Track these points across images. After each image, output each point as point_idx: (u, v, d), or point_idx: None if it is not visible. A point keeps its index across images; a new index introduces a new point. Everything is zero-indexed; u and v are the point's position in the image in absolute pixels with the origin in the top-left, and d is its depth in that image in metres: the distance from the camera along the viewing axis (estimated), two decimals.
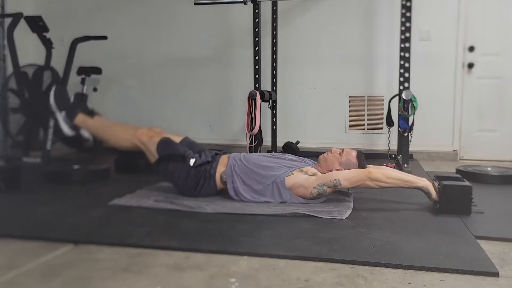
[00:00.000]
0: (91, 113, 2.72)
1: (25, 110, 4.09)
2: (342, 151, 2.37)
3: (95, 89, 4.60)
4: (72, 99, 2.73)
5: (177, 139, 2.53)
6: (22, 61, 4.15)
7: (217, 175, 2.40)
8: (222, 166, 2.41)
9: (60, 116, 2.64)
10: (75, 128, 2.67)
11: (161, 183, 2.85)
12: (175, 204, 2.28)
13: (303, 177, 2.27)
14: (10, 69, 4.27)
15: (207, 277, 1.42)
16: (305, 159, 2.50)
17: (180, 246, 1.68)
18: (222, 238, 1.77)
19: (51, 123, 3.90)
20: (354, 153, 2.35)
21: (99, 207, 2.26)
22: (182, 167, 2.38)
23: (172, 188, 2.71)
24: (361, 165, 2.32)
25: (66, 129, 2.62)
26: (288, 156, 2.47)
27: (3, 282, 1.40)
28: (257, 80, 3.99)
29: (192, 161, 2.38)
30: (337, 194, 2.43)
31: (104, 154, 4.34)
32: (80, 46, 4.27)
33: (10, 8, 4.45)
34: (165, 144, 2.44)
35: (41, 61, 4.24)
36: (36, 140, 4.07)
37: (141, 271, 1.47)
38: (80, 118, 2.68)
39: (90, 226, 1.95)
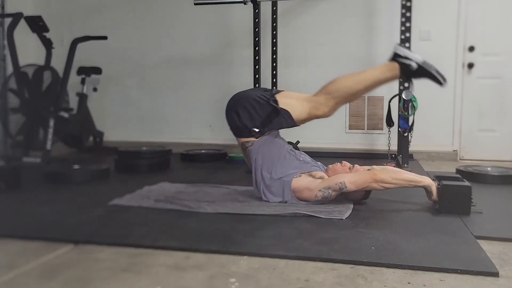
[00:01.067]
0: None
1: (25, 110, 4.10)
2: (353, 166, 2.35)
3: (95, 89, 4.60)
4: None
5: None
6: (22, 61, 4.15)
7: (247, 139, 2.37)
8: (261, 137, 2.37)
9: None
10: None
11: (161, 183, 2.86)
12: (175, 204, 2.28)
13: (309, 180, 2.27)
14: (10, 69, 4.28)
15: (207, 277, 1.42)
16: (319, 163, 2.47)
17: (180, 246, 1.68)
18: (222, 238, 1.77)
19: (51, 123, 3.91)
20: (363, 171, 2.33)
21: (99, 207, 2.26)
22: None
23: (172, 188, 2.71)
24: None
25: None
26: (303, 157, 2.43)
27: (3, 282, 1.40)
28: (257, 80, 3.99)
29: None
30: (342, 196, 2.41)
31: (104, 154, 4.35)
32: (80, 46, 4.28)
33: (10, 8, 4.45)
34: None
35: (41, 61, 4.25)
36: (36, 140, 4.07)
37: (141, 271, 1.47)
38: None
39: (90, 226, 1.95)
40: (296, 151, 2.46)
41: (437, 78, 2.21)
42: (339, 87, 2.29)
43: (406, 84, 2.21)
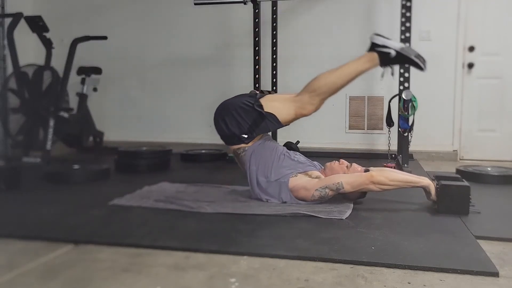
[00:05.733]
0: None
1: (25, 110, 4.10)
2: (351, 165, 2.35)
3: (95, 89, 4.60)
4: None
5: None
6: (22, 61, 4.15)
7: (238, 145, 2.39)
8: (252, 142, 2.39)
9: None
10: None
11: (161, 183, 2.86)
12: (175, 204, 2.28)
13: (306, 179, 2.27)
14: (10, 69, 4.28)
15: (207, 277, 1.42)
16: (315, 163, 2.47)
17: (180, 246, 1.68)
18: (222, 238, 1.77)
19: (51, 123, 3.91)
20: (361, 170, 2.34)
21: (99, 207, 2.25)
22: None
23: (172, 188, 2.71)
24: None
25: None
26: (298, 157, 2.44)
27: (3, 282, 1.40)
28: (257, 80, 3.99)
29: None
30: (339, 195, 2.42)
31: (104, 154, 4.35)
32: (80, 46, 4.28)
33: (10, 8, 4.45)
34: None
35: (41, 61, 4.25)
36: (36, 140, 4.07)
37: (141, 271, 1.47)
38: None
39: (90, 226, 1.95)
40: (290, 151, 2.47)
41: (417, 63, 2.22)
42: (323, 83, 2.31)
43: (389, 71, 2.22)
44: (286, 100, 2.39)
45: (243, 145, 2.38)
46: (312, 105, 2.32)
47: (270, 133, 2.52)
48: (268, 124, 2.35)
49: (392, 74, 2.31)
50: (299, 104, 2.34)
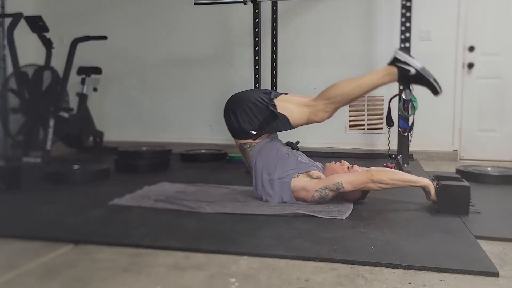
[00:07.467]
0: None
1: (25, 110, 4.10)
2: (352, 166, 2.35)
3: (95, 89, 4.60)
4: None
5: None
6: (22, 61, 4.15)
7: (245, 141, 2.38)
8: (259, 139, 2.39)
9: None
10: None
11: (161, 183, 2.86)
12: (175, 204, 2.28)
13: (306, 180, 2.27)
14: (10, 69, 4.28)
15: (207, 277, 1.42)
16: (318, 163, 2.47)
17: (180, 246, 1.68)
18: (222, 238, 1.77)
19: (51, 123, 3.91)
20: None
21: (99, 207, 2.26)
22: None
23: (172, 188, 2.71)
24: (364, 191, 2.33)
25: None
26: (301, 157, 2.44)
27: (3, 282, 1.40)
28: (257, 80, 3.99)
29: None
30: (338, 196, 2.42)
31: (104, 154, 4.35)
32: (80, 46, 4.28)
33: (10, 8, 4.46)
34: None
35: (41, 61, 4.25)
36: (36, 140, 4.07)
37: (141, 271, 1.47)
38: None
39: (90, 226, 1.95)
40: (294, 151, 2.46)
41: (433, 86, 2.22)
42: (339, 93, 2.30)
43: (403, 88, 2.24)
44: (300, 104, 2.38)
45: (250, 140, 2.37)
46: (326, 112, 2.32)
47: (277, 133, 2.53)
48: (279, 124, 2.35)
49: (407, 93, 2.30)
50: (312, 110, 2.33)
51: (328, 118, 2.35)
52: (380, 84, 2.31)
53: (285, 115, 2.33)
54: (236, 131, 2.39)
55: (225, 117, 2.43)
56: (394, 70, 2.26)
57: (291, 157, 2.38)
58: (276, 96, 2.40)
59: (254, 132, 2.35)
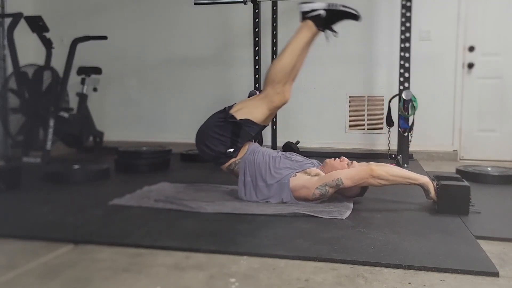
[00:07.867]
0: None
1: (25, 110, 4.10)
2: (351, 163, 2.35)
3: (95, 89, 4.61)
4: None
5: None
6: (22, 61, 4.15)
7: (228, 162, 2.39)
8: (241, 153, 2.40)
9: None
10: None
11: (161, 183, 2.86)
12: (175, 204, 2.28)
13: (306, 178, 2.27)
14: (10, 69, 4.28)
15: (207, 277, 1.42)
16: (313, 161, 2.48)
17: (180, 246, 1.68)
18: (222, 238, 1.77)
19: (51, 123, 3.91)
20: None
21: (99, 207, 2.25)
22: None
23: (172, 188, 2.71)
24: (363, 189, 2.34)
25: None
26: (294, 156, 2.44)
27: (3, 282, 1.40)
28: (257, 80, 3.99)
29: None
30: (337, 193, 2.42)
31: (104, 154, 4.35)
32: (80, 46, 4.28)
33: (10, 8, 4.46)
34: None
35: (41, 61, 4.25)
36: (36, 140, 4.07)
37: (141, 271, 1.47)
38: None
39: (90, 226, 1.95)
40: (286, 152, 2.47)
41: (349, 13, 2.26)
42: (277, 70, 2.35)
43: (331, 34, 2.32)
44: (254, 101, 2.44)
45: (232, 159, 2.39)
46: (278, 94, 2.37)
47: (256, 141, 2.54)
48: (247, 130, 2.37)
49: (335, 35, 2.37)
50: (267, 100, 2.38)
51: (285, 97, 2.39)
52: (307, 41, 2.39)
53: (246, 119, 2.36)
54: (216, 158, 2.42)
55: (200, 152, 2.48)
56: (309, 22, 2.34)
57: (283, 158, 2.39)
58: (230, 108, 2.44)
59: (231, 150, 2.37)
